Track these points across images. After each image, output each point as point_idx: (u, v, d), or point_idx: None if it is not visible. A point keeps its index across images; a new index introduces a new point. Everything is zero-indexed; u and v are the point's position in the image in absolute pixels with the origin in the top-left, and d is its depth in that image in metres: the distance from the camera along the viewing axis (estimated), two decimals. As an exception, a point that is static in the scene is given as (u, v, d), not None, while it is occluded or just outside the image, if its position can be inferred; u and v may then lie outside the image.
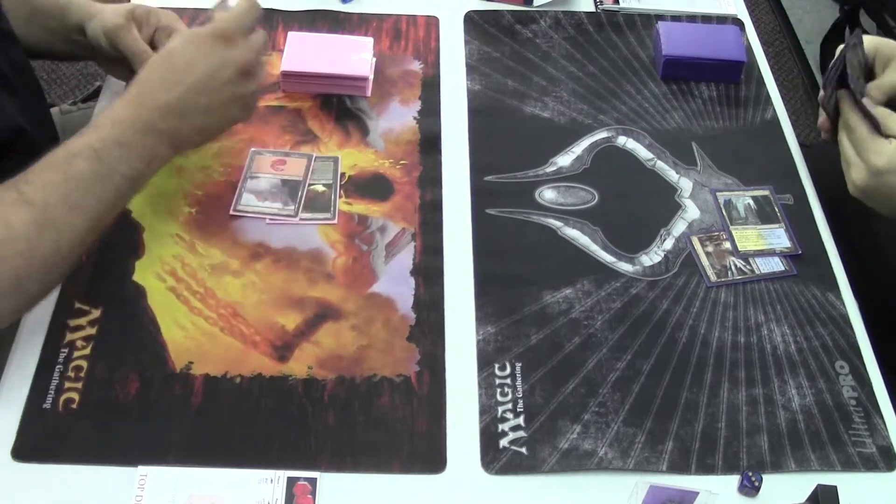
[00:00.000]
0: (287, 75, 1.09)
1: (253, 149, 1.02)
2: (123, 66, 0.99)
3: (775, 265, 0.97)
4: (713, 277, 0.95)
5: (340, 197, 0.99)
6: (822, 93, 1.02)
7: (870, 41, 1.00)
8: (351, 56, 1.10)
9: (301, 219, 0.96)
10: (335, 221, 0.97)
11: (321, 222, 0.97)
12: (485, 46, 1.18)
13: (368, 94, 1.10)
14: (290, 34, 1.12)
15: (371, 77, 1.11)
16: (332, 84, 1.09)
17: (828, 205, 1.04)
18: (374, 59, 1.13)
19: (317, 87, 1.10)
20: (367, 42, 1.12)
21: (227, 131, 0.94)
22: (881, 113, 0.94)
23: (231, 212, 0.96)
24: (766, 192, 1.03)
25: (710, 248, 0.98)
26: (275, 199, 0.97)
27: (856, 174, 0.94)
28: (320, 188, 0.99)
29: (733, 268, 0.96)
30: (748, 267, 0.96)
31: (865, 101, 0.95)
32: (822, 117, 1.03)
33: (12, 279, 0.76)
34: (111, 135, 0.82)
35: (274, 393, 0.83)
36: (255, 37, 0.92)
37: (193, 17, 1.17)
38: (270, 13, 1.19)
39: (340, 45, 1.12)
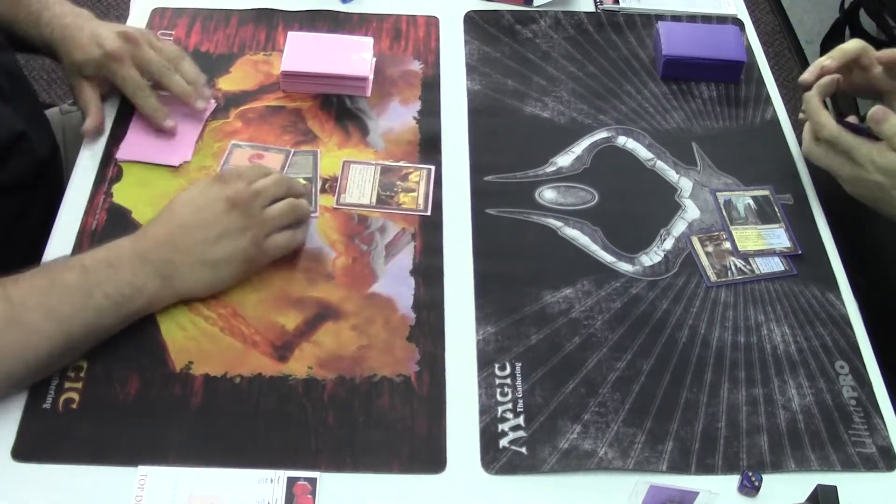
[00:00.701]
0: (287, 75, 1.08)
1: (233, 142, 1.02)
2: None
3: (775, 265, 0.97)
4: (713, 277, 0.95)
5: (340, 197, 0.99)
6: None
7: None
8: (351, 56, 1.10)
9: None
10: (317, 215, 0.97)
11: None
12: (485, 46, 1.18)
13: (368, 94, 1.10)
14: (290, 34, 1.12)
15: (371, 77, 1.10)
16: (332, 84, 1.09)
17: (828, 205, 1.04)
18: (374, 60, 1.13)
19: (317, 87, 1.09)
20: (367, 42, 1.12)
21: (234, 277, 0.88)
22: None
23: None
24: (766, 192, 1.03)
25: (710, 248, 0.98)
26: None
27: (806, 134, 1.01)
28: (301, 181, 0.99)
29: (733, 268, 0.96)
30: (748, 267, 0.96)
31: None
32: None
33: None
34: (104, 256, 0.83)
35: (274, 393, 0.83)
36: (261, 182, 0.90)
37: (207, 17, 1.17)
38: (270, 13, 1.19)
39: (340, 45, 1.12)
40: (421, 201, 0.99)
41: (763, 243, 0.98)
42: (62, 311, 0.79)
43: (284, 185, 0.92)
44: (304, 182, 0.99)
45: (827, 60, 1.04)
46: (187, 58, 1.06)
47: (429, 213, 0.98)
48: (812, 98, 1.01)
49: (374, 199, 0.98)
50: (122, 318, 0.83)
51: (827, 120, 0.99)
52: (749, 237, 0.99)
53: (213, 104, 1.06)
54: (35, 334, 0.78)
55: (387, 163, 1.02)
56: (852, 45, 1.04)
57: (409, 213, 0.98)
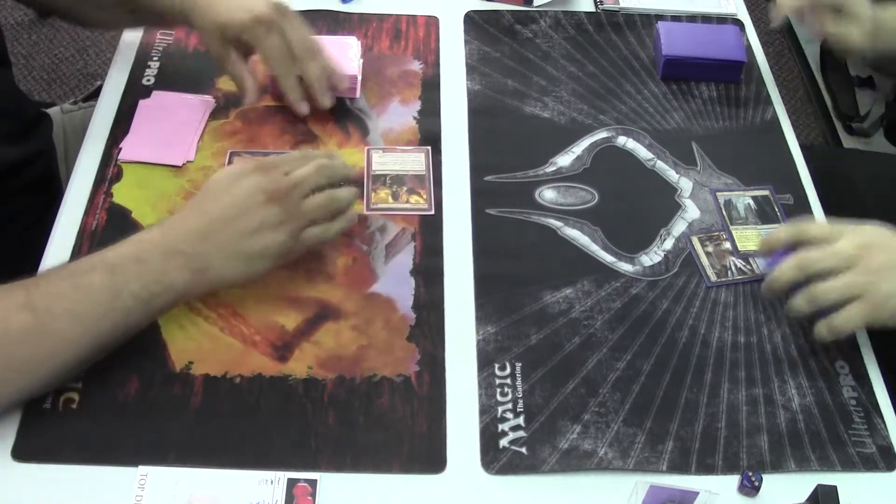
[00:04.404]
0: (274, 80, 1.05)
1: (230, 150, 1.02)
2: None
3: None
4: (713, 277, 0.95)
5: (340, 197, 0.99)
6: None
7: None
8: (338, 57, 1.07)
9: None
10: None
11: None
12: (485, 46, 1.18)
13: (358, 94, 1.09)
14: None
15: (360, 77, 1.09)
16: None
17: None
18: (362, 60, 1.11)
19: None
20: (354, 42, 1.11)
21: (268, 269, 0.86)
22: None
23: None
24: (766, 192, 1.03)
25: (710, 248, 0.98)
26: None
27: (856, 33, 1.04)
28: (346, 164, 0.99)
29: (733, 268, 0.96)
30: (748, 267, 0.96)
31: None
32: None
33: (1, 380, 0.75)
34: (130, 251, 0.80)
35: (274, 393, 0.83)
36: (300, 172, 0.87)
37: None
38: (270, 13, 1.18)
39: (326, 46, 1.11)
40: (425, 203, 0.99)
41: None
42: (90, 316, 0.77)
43: (325, 173, 0.89)
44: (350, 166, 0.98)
45: None
46: (322, 53, 1.03)
47: (433, 213, 0.98)
48: None
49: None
50: (151, 314, 0.81)
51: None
52: (749, 237, 0.99)
53: (212, 103, 1.06)
54: (63, 342, 0.76)
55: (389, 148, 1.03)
56: None
57: (414, 213, 0.98)
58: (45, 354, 0.76)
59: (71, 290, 0.77)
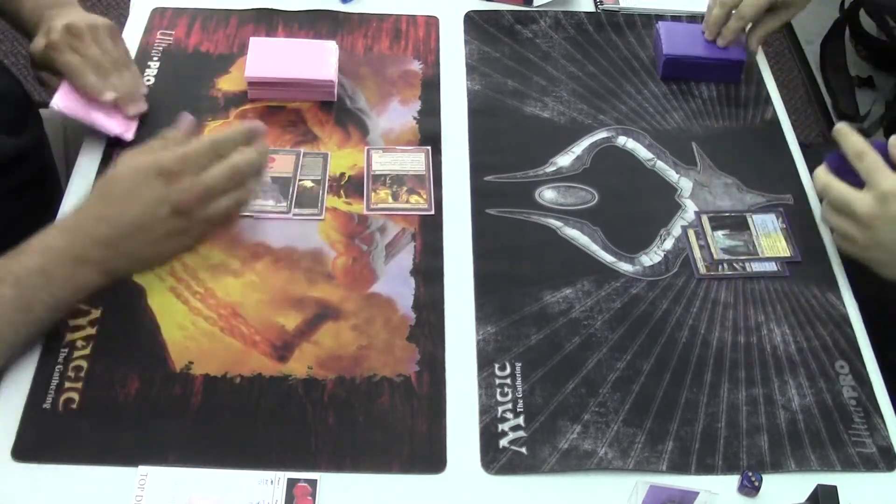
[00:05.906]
0: (253, 84, 1.06)
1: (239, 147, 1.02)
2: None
3: (768, 265, 0.97)
4: (702, 270, 0.95)
5: (340, 197, 0.99)
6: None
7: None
8: (316, 60, 1.07)
9: (294, 215, 0.97)
10: (322, 218, 0.97)
11: (309, 218, 0.97)
12: (485, 46, 1.18)
13: (335, 98, 1.09)
14: (252, 39, 1.09)
15: (336, 81, 1.08)
16: (299, 90, 1.07)
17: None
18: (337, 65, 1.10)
19: (283, 94, 1.07)
20: (332, 46, 1.11)
21: (166, 261, 0.90)
22: None
23: None
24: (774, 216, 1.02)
25: (703, 243, 0.98)
26: (266, 197, 0.97)
27: (861, 205, 0.89)
28: (309, 184, 0.99)
29: (724, 264, 0.96)
30: (739, 264, 0.96)
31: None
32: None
33: None
34: (37, 263, 0.80)
35: (274, 393, 0.83)
36: (202, 177, 0.87)
37: (207, 17, 1.16)
38: (270, 13, 1.19)
39: (305, 50, 1.10)
40: (425, 203, 0.99)
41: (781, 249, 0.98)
42: (3, 331, 0.78)
43: (236, 179, 0.90)
44: (311, 185, 0.99)
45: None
46: (133, 67, 1.03)
47: (433, 213, 0.98)
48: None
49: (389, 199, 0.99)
50: (63, 312, 0.83)
51: (818, 174, 0.95)
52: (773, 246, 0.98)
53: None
54: None
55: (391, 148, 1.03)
56: None
57: (414, 213, 0.98)
58: None
59: None
